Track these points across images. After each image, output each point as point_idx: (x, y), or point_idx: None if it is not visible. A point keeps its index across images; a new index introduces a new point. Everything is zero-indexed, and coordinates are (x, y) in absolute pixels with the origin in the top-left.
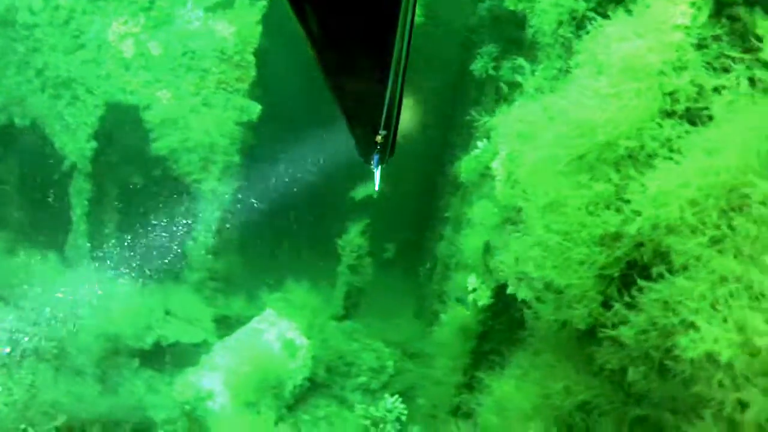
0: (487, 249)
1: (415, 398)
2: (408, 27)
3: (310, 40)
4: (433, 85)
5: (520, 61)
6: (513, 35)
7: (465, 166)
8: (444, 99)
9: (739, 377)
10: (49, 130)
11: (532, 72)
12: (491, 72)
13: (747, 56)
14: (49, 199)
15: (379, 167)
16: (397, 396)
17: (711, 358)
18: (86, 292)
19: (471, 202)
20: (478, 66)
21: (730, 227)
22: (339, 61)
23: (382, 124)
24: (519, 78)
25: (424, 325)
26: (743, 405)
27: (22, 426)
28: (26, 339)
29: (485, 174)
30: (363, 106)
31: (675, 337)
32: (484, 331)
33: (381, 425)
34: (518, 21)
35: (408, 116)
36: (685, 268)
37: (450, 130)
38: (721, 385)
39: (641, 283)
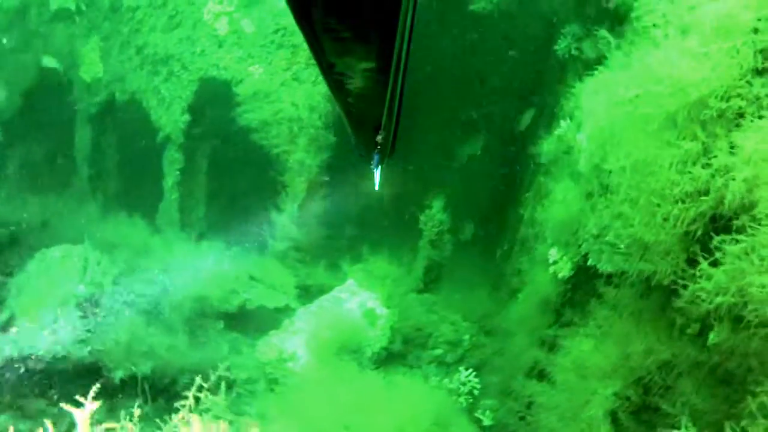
0: (570, 222)
1: (489, 373)
2: (408, 28)
3: (310, 41)
4: (515, 68)
5: (603, 32)
6: (595, 13)
7: (547, 146)
8: (526, 81)
9: None
10: (146, 104)
11: (618, 45)
12: (574, 52)
13: None
14: (143, 169)
15: (379, 167)
16: (471, 370)
17: None
18: (175, 256)
19: (555, 180)
20: (561, 46)
21: None
22: (339, 62)
23: (383, 124)
24: (604, 50)
25: (501, 302)
26: None
27: (127, 364)
28: (125, 292)
29: (568, 152)
30: (363, 107)
31: (754, 287)
32: (562, 303)
33: (454, 397)
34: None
35: (488, 100)
36: None
37: (531, 112)
38: None
39: (724, 236)
